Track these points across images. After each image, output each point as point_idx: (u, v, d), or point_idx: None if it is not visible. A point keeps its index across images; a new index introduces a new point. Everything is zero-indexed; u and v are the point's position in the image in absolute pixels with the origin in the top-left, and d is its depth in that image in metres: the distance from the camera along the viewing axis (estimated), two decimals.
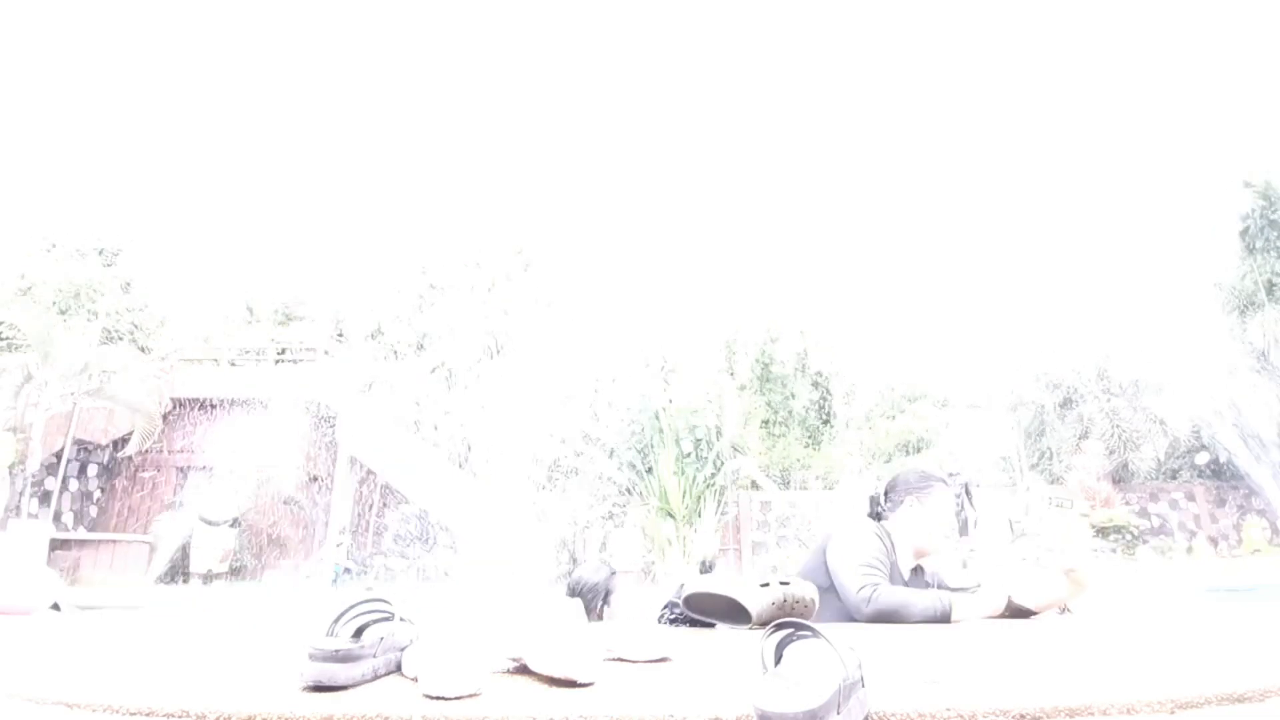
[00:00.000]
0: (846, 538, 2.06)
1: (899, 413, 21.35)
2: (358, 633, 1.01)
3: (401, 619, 1.06)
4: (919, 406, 21.01)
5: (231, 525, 11.45)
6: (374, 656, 0.96)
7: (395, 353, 16.77)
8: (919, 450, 19.74)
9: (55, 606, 2.47)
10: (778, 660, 0.84)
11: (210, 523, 11.18)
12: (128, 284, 18.58)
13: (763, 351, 21.26)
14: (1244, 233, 15.71)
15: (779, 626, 0.87)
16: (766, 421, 19.74)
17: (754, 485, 14.73)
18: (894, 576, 2.08)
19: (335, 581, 9.98)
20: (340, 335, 17.76)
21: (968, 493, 2.32)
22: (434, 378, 15.93)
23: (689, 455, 14.32)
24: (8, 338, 13.86)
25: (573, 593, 2.56)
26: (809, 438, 20.29)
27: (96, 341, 13.36)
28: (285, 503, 12.80)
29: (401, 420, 14.83)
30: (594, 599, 2.53)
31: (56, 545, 10.58)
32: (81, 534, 11.73)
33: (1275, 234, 15.51)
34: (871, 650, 0.84)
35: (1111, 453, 16.30)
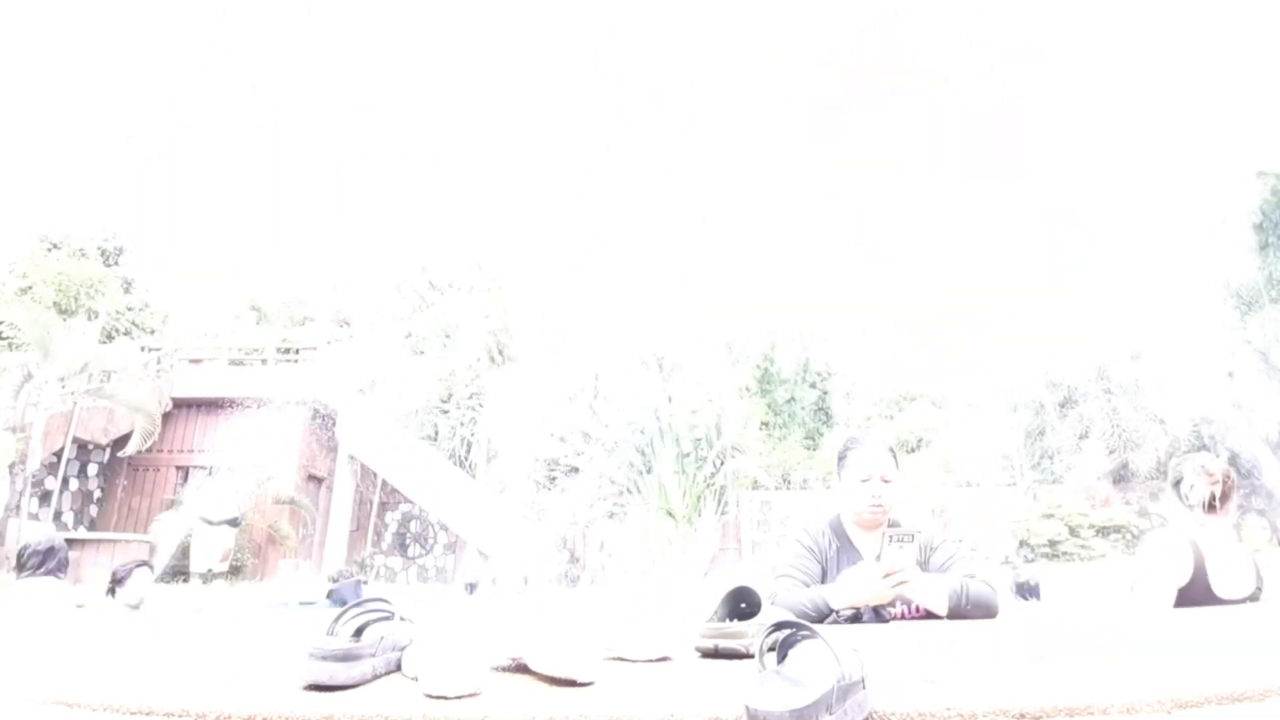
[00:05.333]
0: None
1: (898, 412, 21.35)
2: (358, 632, 1.01)
3: (401, 618, 1.06)
4: (918, 406, 21.01)
5: (231, 525, 11.44)
6: (374, 656, 0.96)
7: (397, 351, 16.77)
8: (918, 449, 19.74)
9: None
10: (781, 660, 0.85)
11: (210, 522, 11.18)
12: (129, 283, 18.58)
13: (763, 356, 21.25)
14: (1258, 226, 15.64)
15: (779, 627, 0.87)
16: (766, 423, 19.74)
17: (755, 485, 14.73)
18: (839, 561, 2.03)
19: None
20: (340, 335, 17.76)
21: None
22: (434, 377, 15.93)
23: (689, 455, 14.31)
24: (8, 337, 13.85)
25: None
26: (809, 438, 20.30)
27: (96, 341, 13.36)
28: (285, 502, 12.80)
29: (401, 419, 14.82)
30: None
31: None
32: (82, 534, 11.73)
33: None
34: (871, 650, 0.84)
35: (1111, 452, 16.30)
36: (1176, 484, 2.47)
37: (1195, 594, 2.22)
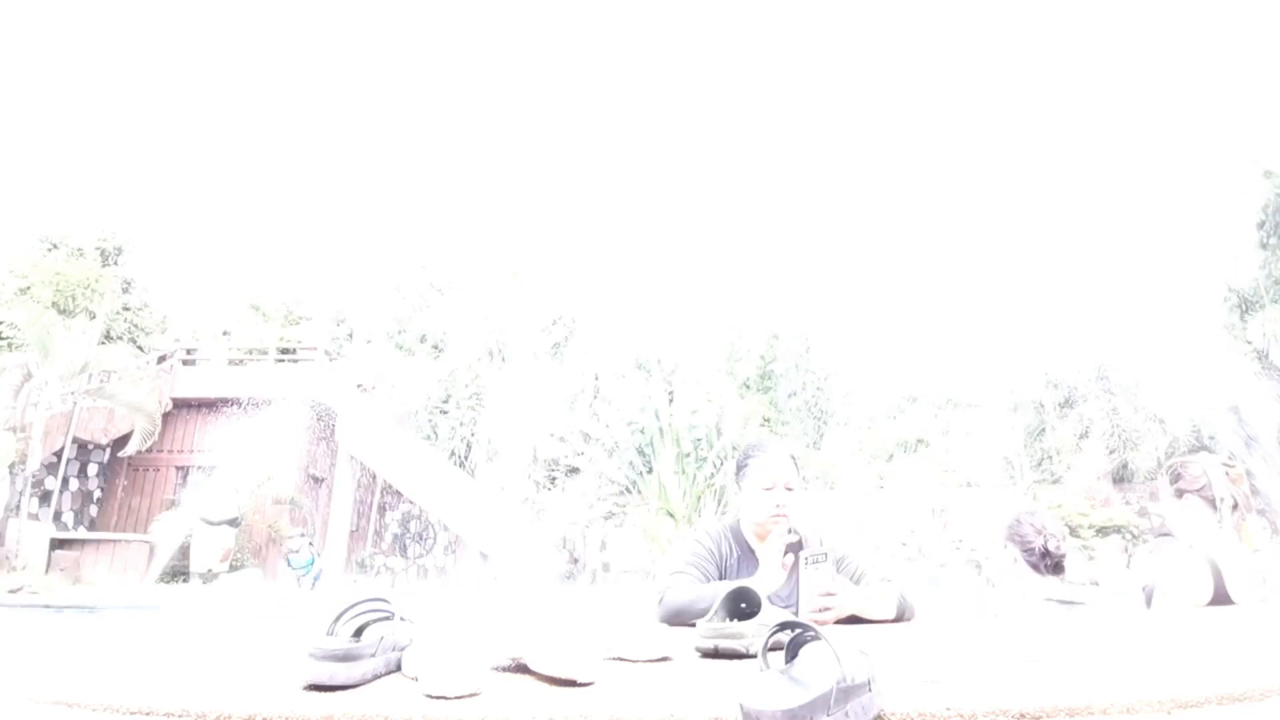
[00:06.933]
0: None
1: (899, 413, 21.35)
2: (358, 632, 1.01)
3: (401, 618, 1.06)
4: (919, 406, 21.02)
5: (232, 525, 11.43)
6: (374, 656, 0.96)
7: (398, 349, 16.76)
8: (917, 450, 19.74)
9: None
10: (790, 659, 0.85)
11: (210, 522, 11.16)
12: (128, 283, 18.57)
13: (763, 353, 21.24)
14: (1261, 225, 15.62)
15: (782, 627, 0.87)
16: (768, 420, 19.75)
17: None
18: (738, 570, 2.00)
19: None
20: (340, 335, 17.75)
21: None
22: (434, 377, 15.93)
23: (689, 455, 14.32)
24: (8, 337, 13.85)
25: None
26: (809, 438, 20.30)
27: (96, 341, 13.35)
28: (285, 502, 12.79)
29: (402, 419, 14.81)
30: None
31: (57, 545, 10.58)
32: (82, 534, 11.73)
33: None
34: (871, 650, 0.84)
35: (1111, 452, 16.31)
36: (1176, 485, 2.39)
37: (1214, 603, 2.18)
